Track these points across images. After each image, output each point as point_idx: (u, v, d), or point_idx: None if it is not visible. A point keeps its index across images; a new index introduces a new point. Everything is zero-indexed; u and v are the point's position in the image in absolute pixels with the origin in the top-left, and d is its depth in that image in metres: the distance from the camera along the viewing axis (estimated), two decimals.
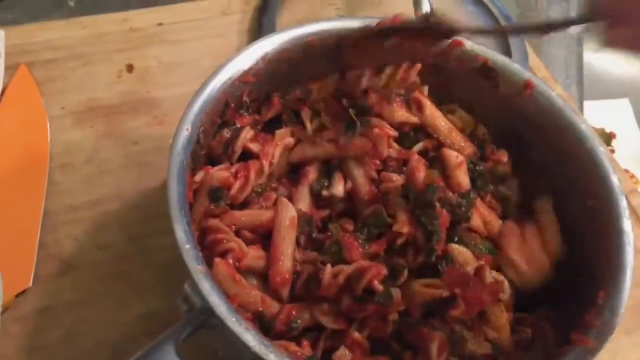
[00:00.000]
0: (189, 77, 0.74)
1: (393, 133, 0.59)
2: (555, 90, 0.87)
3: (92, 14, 0.81)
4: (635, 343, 0.67)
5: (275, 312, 0.50)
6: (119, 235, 0.65)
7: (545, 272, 0.56)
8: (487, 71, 0.62)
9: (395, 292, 0.51)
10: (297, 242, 0.53)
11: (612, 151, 1.13)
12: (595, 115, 1.14)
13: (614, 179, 0.55)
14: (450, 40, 0.61)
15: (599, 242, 0.54)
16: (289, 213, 0.54)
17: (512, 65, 0.62)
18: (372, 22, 0.58)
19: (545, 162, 0.61)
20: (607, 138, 1.14)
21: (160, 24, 0.82)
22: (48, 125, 0.71)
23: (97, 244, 0.64)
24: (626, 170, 1.06)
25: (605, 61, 1.27)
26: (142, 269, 0.62)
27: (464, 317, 0.50)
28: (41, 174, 0.67)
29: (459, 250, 0.54)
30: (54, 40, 0.78)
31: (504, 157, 0.63)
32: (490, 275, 0.53)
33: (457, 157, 0.59)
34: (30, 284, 0.60)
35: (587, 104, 1.14)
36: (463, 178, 0.58)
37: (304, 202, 0.57)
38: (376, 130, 0.58)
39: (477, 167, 0.61)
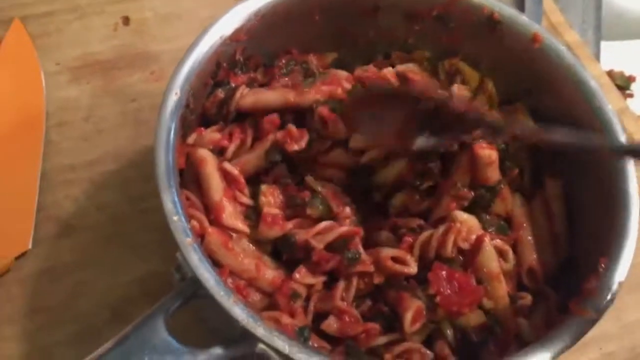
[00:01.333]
0: (187, 30, 0.73)
1: None
2: (569, 36, 0.85)
3: None
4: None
5: (270, 279, 0.50)
6: (118, 195, 0.64)
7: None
8: (493, 24, 0.59)
9: (365, 257, 0.51)
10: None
11: (631, 95, 1.08)
12: (614, 58, 1.09)
13: (622, 140, 0.53)
14: None
15: (603, 206, 0.52)
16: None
17: (520, 17, 0.59)
18: None
19: (553, 118, 0.58)
20: (626, 81, 1.09)
21: None
22: (43, 82, 0.69)
23: (96, 205, 0.63)
24: None
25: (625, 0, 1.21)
26: (141, 230, 0.62)
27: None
28: (37, 133, 0.66)
29: (464, 218, 0.52)
30: None
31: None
32: (490, 244, 0.51)
33: (490, 156, 0.54)
34: (30, 246, 0.60)
35: (606, 45, 1.08)
36: (492, 174, 0.55)
37: None
38: None
39: (508, 148, 0.57)
